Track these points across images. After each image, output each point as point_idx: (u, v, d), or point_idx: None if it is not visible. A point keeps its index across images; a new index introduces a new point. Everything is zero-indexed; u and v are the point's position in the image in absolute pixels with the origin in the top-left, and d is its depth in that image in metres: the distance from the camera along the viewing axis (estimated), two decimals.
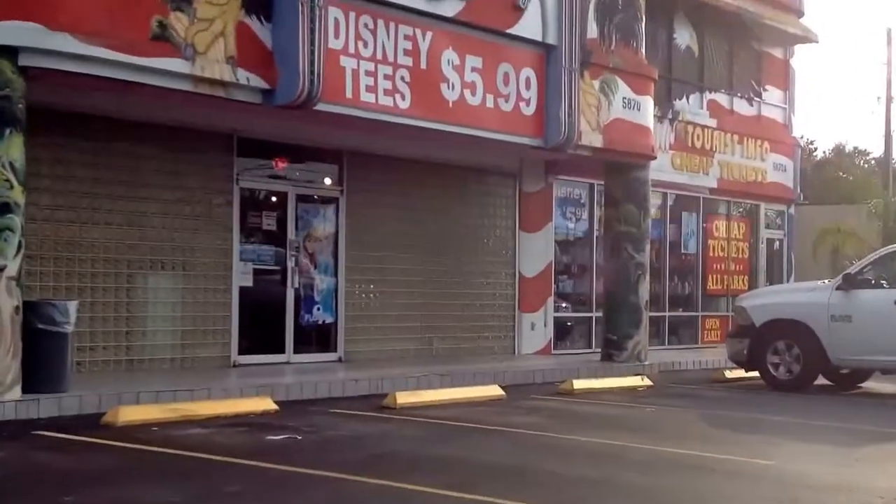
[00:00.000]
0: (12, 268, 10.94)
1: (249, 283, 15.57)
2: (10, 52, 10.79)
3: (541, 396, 14.45)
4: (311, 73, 12.98)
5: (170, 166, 14.73)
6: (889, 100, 36.69)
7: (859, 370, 16.82)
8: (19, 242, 11.00)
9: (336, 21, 13.60)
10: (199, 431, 10.47)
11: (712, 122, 22.87)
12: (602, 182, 19.04)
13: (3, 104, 10.78)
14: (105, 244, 14.10)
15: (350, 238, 16.82)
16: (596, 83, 17.31)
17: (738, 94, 23.98)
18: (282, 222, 16.07)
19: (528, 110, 16.26)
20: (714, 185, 22.94)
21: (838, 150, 53.48)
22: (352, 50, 13.82)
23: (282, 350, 15.96)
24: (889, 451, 10.84)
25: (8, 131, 10.82)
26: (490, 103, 15.71)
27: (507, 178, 19.25)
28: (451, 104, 15.17)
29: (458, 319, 18.37)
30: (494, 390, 14.12)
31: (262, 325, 15.93)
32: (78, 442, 9.75)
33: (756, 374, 16.78)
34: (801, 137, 26.47)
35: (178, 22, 12.07)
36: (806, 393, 15.81)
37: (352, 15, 13.84)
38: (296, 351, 16.11)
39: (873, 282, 15.99)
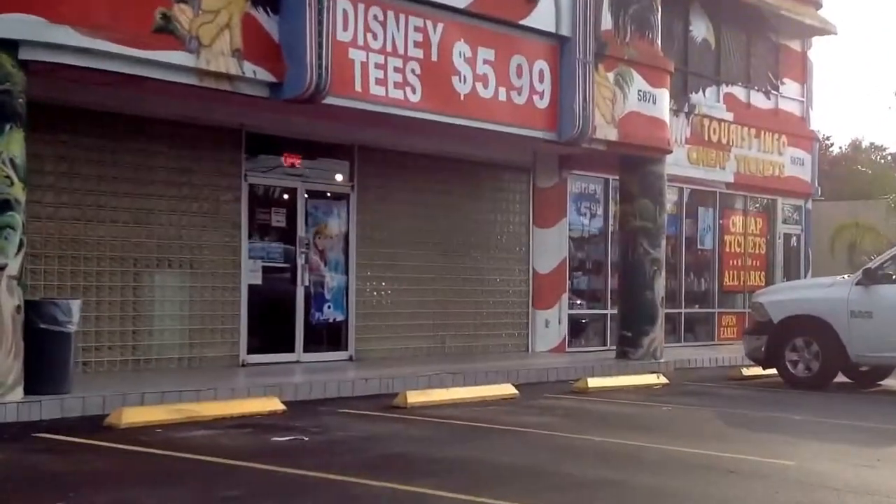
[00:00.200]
0: (13, 266, 10.71)
1: (258, 281, 15.33)
2: (10, 46, 10.56)
3: (554, 395, 14.18)
4: (320, 66, 12.73)
5: (176, 162, 14.49)
6: None
7: (879, 367, 16.51)
8: (20, 241, 10.78)
9: (344, 13, 13.33)
10: (203, 433, 10.23)
11: (729, 116, 22.58)
12: (617, 177, 18.77)
13: (4, 99, 10.56)
14: (111, 242, 13.87)
15: (361, 235, 16.57)
16: (611, 75, 17.02)
17: (755, 88, 23.67)
18: (291, 219, 15.81)
19: (542, 103, 15.98)
20: (731, 179, 22.67)
21: (855, 146, 53.07)
22: (361, 42, 13.56)
23: (291, 349, 15.72)
24: None
25: (8, 127, 10.59)
26: (502, 96, 15.43)
27: (521, 174, 18.98)
28: (462, 97, 14.90)
29: (470, 317, 18.11)
30: (507, 389, 13.86)
31: (271, 324, 15.69)
32: (78, 445, 9.51)
33: (774, 371, 16.53)
34: (818, 132, 26.01)
35: (183, 14, 11.82)
36: (825, 391, 15.56)
37: (360, 6, 13.56)
38: (306, 350, 15.86)
39: (894, 277, 15.67)
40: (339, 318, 16.43)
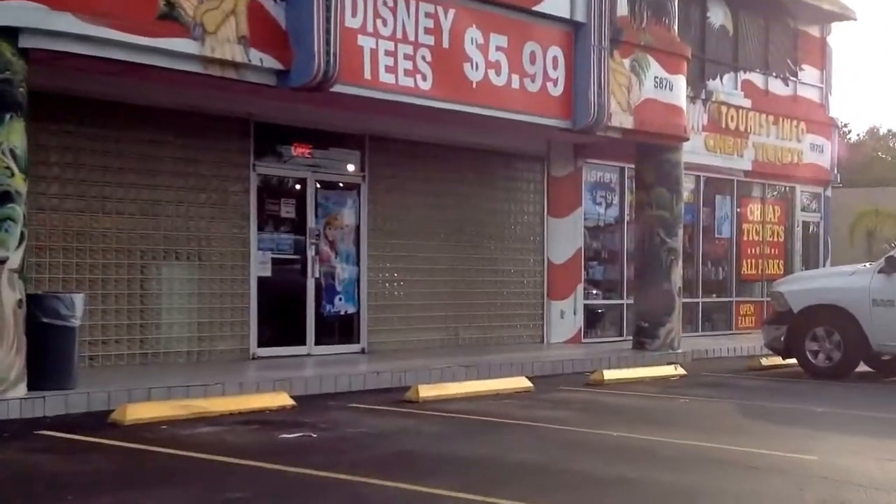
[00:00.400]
0: (14, 259, 10.46)
1: (268, 273, 15.07)
2: (10, 34, 10.29)
3: (570, 388, 13.90)
4: (328, 53, 12.44)
5: (184, 153, 14.23)
6: None
7: None
8: (21, 233, 10.53)
9: None
10: (209, 430, 9.97)
11: (747, 103, 22.25)
12: (633, 165, 18.46)
13: (4, 88, 10.28)
14: (117, 234, 13.62)
15: (373, 225, 16.31)
16: (626, 62, 16.68)
17: (774, 74, 23.31)
18: (301, 210, 15.54)
19: (556, 91, 15.67)
20: (748, 167, 22.35)
21: (872, 133, 52.67)
22: (370, 29, 13.26)
23: (302, 342, 15.47)
24: None
25: (8, 116, 10.32)
26: (515, 84, 15.12)
27: (535, 163, 18.69)
28: (474, 85, 14.59)
29: (484, 308, 17.84)
30: (521, 382, 13.59)
31: (281, 317, 15.45)
32: (81, 443, 9.27)
33: (794, 361, 16.24)
34: (837, 119, 25.68)
35: (187, 0, 11.53)
36: (846, 381, 15.29)
37: None
38: (317, 343, 15.61)
39: None
40: (351, 310, 16.18)
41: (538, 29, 15.49)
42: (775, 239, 24.09)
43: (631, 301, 18.80)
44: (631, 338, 18.31)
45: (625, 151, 18.26)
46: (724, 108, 21.59)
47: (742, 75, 22.47)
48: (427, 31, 13.97)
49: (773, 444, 9.66)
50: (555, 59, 15.61)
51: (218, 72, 11.97)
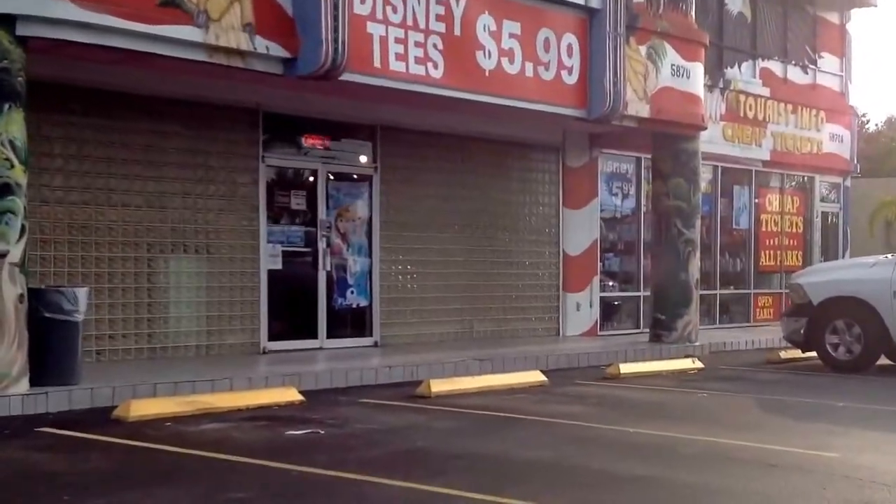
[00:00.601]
0: (15, 253, 10.23)
1: (278, 265, 14.83)
2: (7, 21, 10.03)
3: (585, 382, 13.62)
4: (336, 40, 12.16)
5: (191, 144, 14.00)
6: None
7: None
8: (22, 226, 10.29)
9: None
10: (214, 426, 9.72)
11: (765, 91, 21.90)
12: (649, 155, 18.16)
13: (1, 77, 10.04)
14: (123, 227, 13.40)
15: (385, 217, 16.06)
16: (643, 49, 16.36)
17: (793, 62, 22.96)
18: (312, 201, 15.30)
19: (571, 79, 15.37)
20: (767, 157, 22.02)
21: (891, 123, 52.16)
22: (379, 15, 12.98)
23: (314, 336, 15.24)
24: None
25: (7, 106, 10.08)
26: (529, 72, 14.82)
27: (550, 153, 18.41)
28: (487, 73, 14.31)
29: (499, 301, 17.58)
30: (536, 376, 13.31)
31: (292, 310, 15.23)
32: (82, 440, 9.02)
33: (813, 354, 15.95)
34: (856, 108, 25.34)
35: None
36: (867, 374, 15.00)
37: None
38: (329, 336, 15.38)
39: None
40: (363, 303, 15.93)
41: (552, 15, 15.20)
42: (794, 230, 23.79)
43: (647, 293, 18.51)
44: (647, 330, 18.04)
45: (641, 141, 17.96)
46: (742, 97, 21.25)
47: (760, 63, 22.12)
48: (438, 17, 13.68)
49: (793, 441, 9.37)
50: (569, 46, 15.31)
51: (223, 60, 11.70)
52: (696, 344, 17.36)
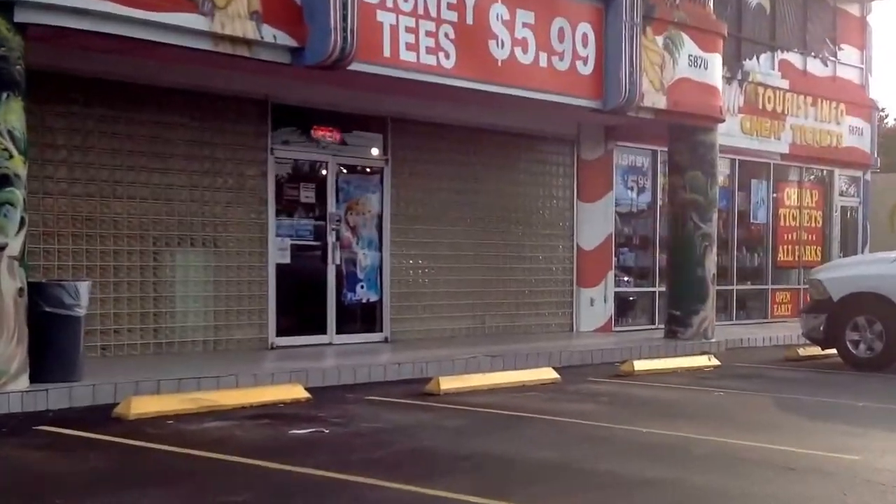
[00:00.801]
0: (14, 246, 9.99)
1: (287, 259, 14.58)
2: (5, 8, 9.76)
3: (598, 379, 13.33)
4: (344, 29, 11.87)
5: (198, 135, 13.74)
6: None
7: None
8: (21, 218, 10.05)
9: None
10: (216, 425, 9.48)
11: (784, 84, 21.53)
12: (666, 148, 17.84)
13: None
14: (128, 220, 13.16)
15: (396, 210, 15.79)
16: (659, 39, 16.04)
17: (812, 54, 22.58)
18: (321, 194, 15.04)
19: (586, 69, 15.06)
20: (786, 150, 21.66)
21: None
22: (389, 4, 12.68)
23: (323, 331, 15.00)
24: None
25: (5, 96, 9.83)
26: (543, 62, 14.51)
27: (564, 145, 18.11)
28: (500, 63, 14.00)
29: (511, 296, 17.30)
30: (548, 373, 13.03)
31: (301, 305, 14.98)
32: (80, 439, 8.78)
33: (833, 351, 15.65)
34: (876, 101, 25.00)
35: None
36: (888, 373, 14.65)
37: None
38: (338, 331, 15.13)
39: None
40: (373, 298, 15.68)
41: (567, 4, 14.89)
42: (812, 224, 23.45)
43: (663, 288, 18.22)
44: (663, 326, 17.74)
45: (657, 133, 17.66)
46: (760, 89, 20.90)
47: (779, 55, 21.76)
48: (450, 6, 13.37)
49: (812, 442, 9.09)
50: (584, 35, 14.99)
51: (229, 49, 11.43)
52: (713, 340, 17.06)
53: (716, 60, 16.97)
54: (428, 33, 13.11)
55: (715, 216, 17.47)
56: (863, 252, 23.78)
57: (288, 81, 13.50)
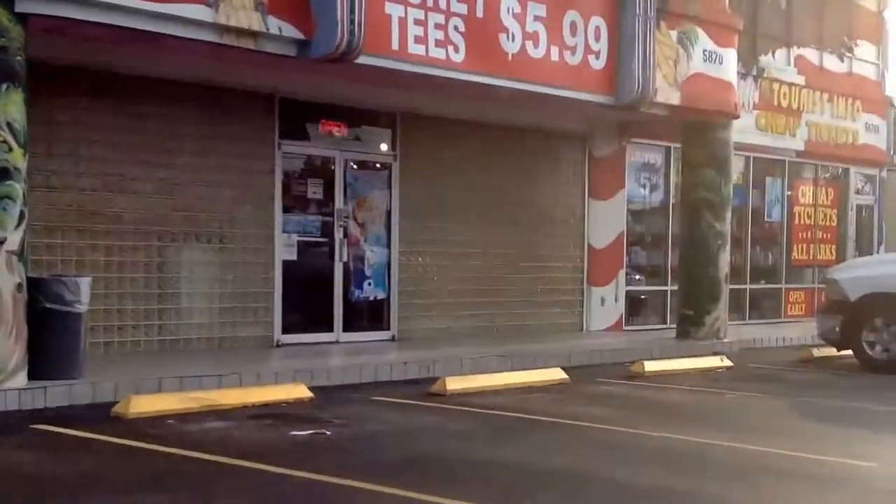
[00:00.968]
0: (13, 240, 9.78)
1: (294, 256, 14.38)
2: None
3: (608, 380, 13.07)
4: (352, 21, 11.60)
5: (205, 130, 13.56)
6: None
7: None
8: (21, 212, 9.84)
9: None
10: (217, 425, 9.26)
11: (800, 80, 21.23)
12: (679, 145, 17.57)
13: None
14: (133, 215, 12.98)
15: (404, 207, 15.56)
16: (673, 34, 15.75)
17: (828, 50, 22.25)
18: (329, 190, 14.82)
19: (598, 64, 14.79)
20: (801, 147, 21.36)
21: None
22: None
23: (330, 329, 14.79)
24: None
25: (5, 87, 9.62)
26: (555, 56, 14.25)
27: (575, 142, 17.86)
28: (510, 57, 13.72)
29: (521, 294, 17.05)
30: (557, 374, 12.79)
31: (307, 302, 14.77)
32: (77, 439, 8.57)
33: (849, 353, 15.37)
34: (893, 98, 24.71)
35: None
36: None
37: None
38: (345, 329, 14.92)
39: None
40: (381, 295, 15.45)
41: None
42: (828, 223, 23.15)
43: (675, 287, 17.93)
44: (674, 326, 17.46)
45: (671, 130, 17.39)
46: (776, 85, 20.60)
47: (795, 51, 21.44)
48: None
49: (829, 449, 8.83)
50: (597, 29, 14.71)
51: (234, 41, 11.18)
52: (725, 341, 16.79)
53: (731, 56, 16.69)
54: (437, 26, 12.86)
55: (729, 214, 17.19)
56: (878, 251, 23.49)
57: (295, 75, 13.24)
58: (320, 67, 12.25)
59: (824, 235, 23.04)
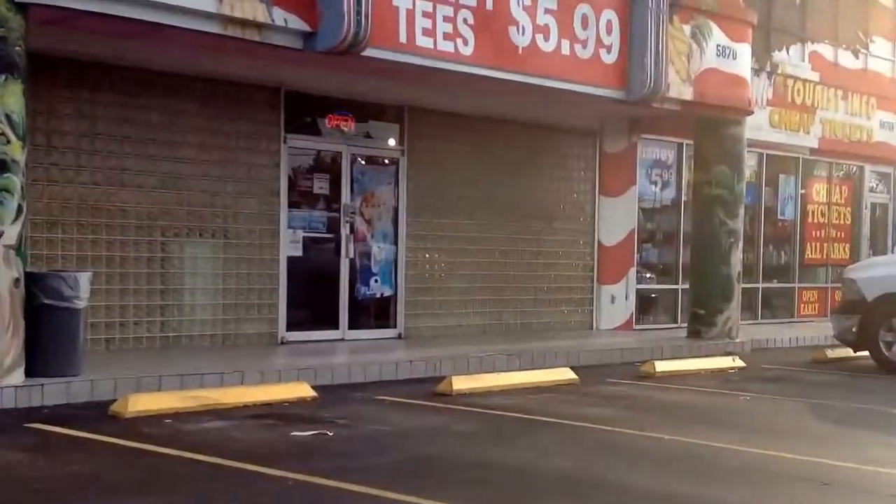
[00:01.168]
0: (11, 234, 9.58)
1: (299, 252, 14.17)
2: None
3: (617, 380, 12.84)
4: (358, 13, 11.37)
5: (209, 123, 13.34)
6: None
7: None
8: (19, 206, 9.63)
9: None
10: (216, 425, 9.06)
11: (814, 76, 20.94)
12: (692, 141, 17.31)
13: None
14: (136, 209, 12.77)
15: (412, 203, 15.34)
16: (686, 28, 15.51)
17: (843, 46, 21.95)
18: (335, 185, 14.60)
19: (609, 58, 14.54)
20: (815, 144, 21.08)
21: None
22: None
23: (335, 326, 14.58)
24: None
25: (3, 78, 9.42)
26: (566, 50, 13.99)
27: (586, 137, 17.62)
28: (520, 50, 13.49)
29: (530, 292, 16.83)
30: (565, 373, 12.55)
31: (313, 299, 14.57)
32: (70, 438, 8.37)
33: (865, 354, 15.10)
34: None
35: None
36: None
37: None
38: (351, 327, 14.70)
39: None
40: (387, 292, 15.23)
41: None
42: (842, 221, 22.90)
43: (686, 286, 17.69)
44: (685, 325, 17.21)
45: (683, 126, 17.14)
46: (790, 82, 20.33)
47: (810, 46, 21.15)
48: None
49: (845, 453, 8.59)
50: (608, 23, 14.46)
51: (238, 33, 10.96)
52: (737, 341, 16.54)
53: (744, 51, 16.44)
54: (445, 18, 12.62)
55: (741, 212, 16.95)
56: (893, 251, 23.19)
57: (301, 69, 13.06)
58: (326, 60, 12.05)
59: (838, 234, 22.79)
